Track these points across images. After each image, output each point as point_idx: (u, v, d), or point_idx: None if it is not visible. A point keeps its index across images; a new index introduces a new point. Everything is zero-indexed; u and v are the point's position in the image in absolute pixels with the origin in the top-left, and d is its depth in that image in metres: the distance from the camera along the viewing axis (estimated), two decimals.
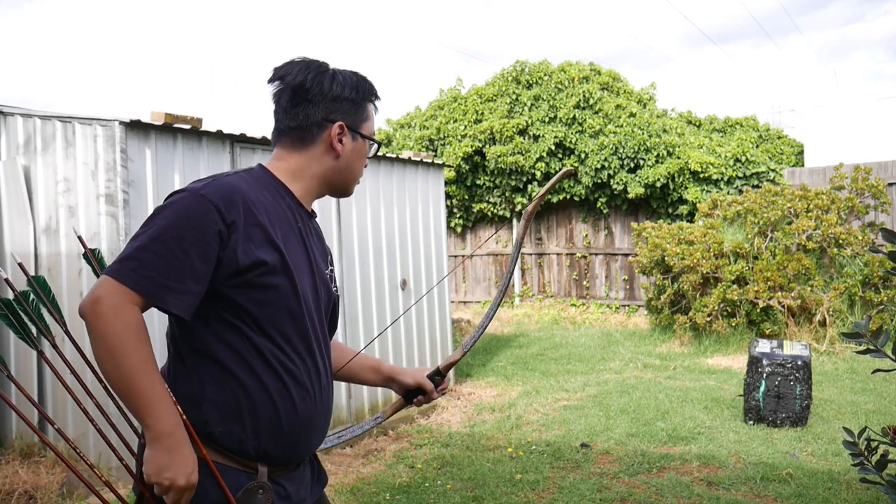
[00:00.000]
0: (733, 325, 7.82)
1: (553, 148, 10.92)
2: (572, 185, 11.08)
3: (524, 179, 11.30)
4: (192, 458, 1.33)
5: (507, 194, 11.60)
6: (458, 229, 12.30)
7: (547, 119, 11.22)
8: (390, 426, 5.34)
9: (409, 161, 6.16)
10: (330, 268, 1.63)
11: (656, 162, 10.39)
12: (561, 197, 11.24)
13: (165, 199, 1.40)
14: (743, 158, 10.26)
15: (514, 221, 11.94)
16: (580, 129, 10.97)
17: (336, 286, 1.66)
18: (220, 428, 1.39)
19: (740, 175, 10.21)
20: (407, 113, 12.95)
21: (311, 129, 1.52)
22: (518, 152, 11.06)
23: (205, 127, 4.24)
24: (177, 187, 4.11)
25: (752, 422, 5.17)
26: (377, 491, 4.08)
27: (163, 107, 25.67)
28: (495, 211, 11.83)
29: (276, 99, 1.54)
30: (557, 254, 11.71)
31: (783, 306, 7.63)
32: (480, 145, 11.35)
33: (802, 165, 11.47)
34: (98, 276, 1.36)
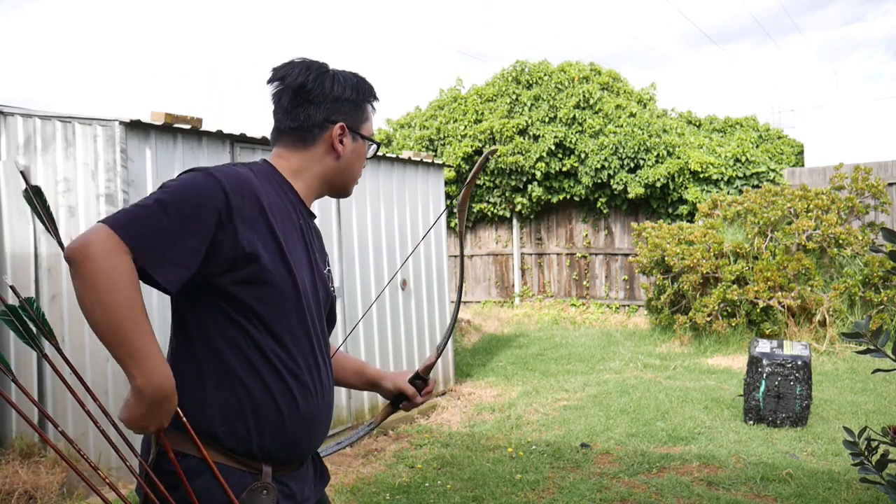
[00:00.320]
0: (733, 325, 7.82)
1: (553, 148, 10.92)
2: (572, 185, 11.09)
3: (524, 179, 11.30)
4: (169, 413, 1.30)
5: (507, 194, 11.60)
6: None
7: (547, 119, 11.22)
8: (390, 426, 5.34)
9: (409, 161, 6.16)
10: (328, 268, 1.63)
11: (656, 162, 10.39)
12: (561, 197, 11.24)
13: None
14: (743, 158, 10.26)
15: (515, 221, 11.94)
16: (580, 129, 10.97)
17: (333, 286, 1.67)
18: (224, 429, 1.39)
19: (740, 175, 10.21)
20: (407, 113, 12.96)
21: (312, 129, 1.52)
22: (518, 152, 11.06)
23: (205, 127, 4.24)
24: None
25: (752, 422, 5.17)
26: (377, 491, 4.08)
27: (163, 107, 25.67)
28: (495, 211, 11.83)
29: (276, 99, 1.54)
30: (557, 254, 11.71)
31: (783, 306, 7.63)
32: (480, 145, 11.35)
33: (802, 165, 11.47)
34: (41, 218, 1.34)
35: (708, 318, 7.88)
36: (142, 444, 1.48)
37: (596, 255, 11.35)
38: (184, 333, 1.43)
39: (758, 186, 9.92)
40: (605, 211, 11.11)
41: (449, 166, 9.47)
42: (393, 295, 5.86)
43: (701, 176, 10.19)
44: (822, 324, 7.69)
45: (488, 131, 11.23)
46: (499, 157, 11.07)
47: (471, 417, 5.64)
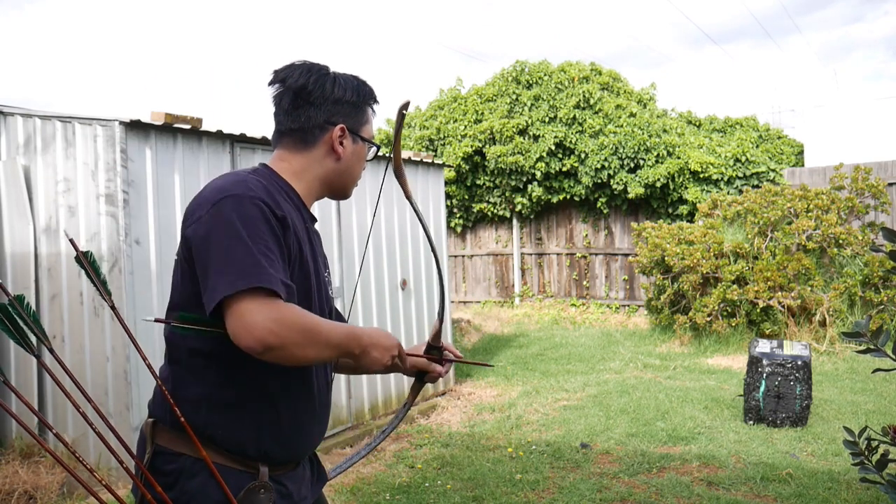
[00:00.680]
0: (733, 325, 7.82)
1: (553, 148, 10.92)
2: (572, 185, 11.09)
3: (524, 179, 11.29)
4: (385, 335, 1.47)
5: (507, 194, 11.60)
6: (458, 229, 12.30)
7: (547, 119, 11.21)
8: None
9: (409, 161, 6.16)
10: (327, 270, 1.64)
11: (656, 162, 10.39)
12: (561, 197, 11.24)
13: (212, 204, 1.33)
14: (743, 158, 10.26)
15: (515, 221, 11.94)
16: (580, 129, 10.97)
17: (332, 289, 1.68)
18: (221, 430, 1.39)
19: (740, 175, 10.21)
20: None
21: (312, 131, 1.52)
22: (518, 152, 11.05)
23: (205, 127, 4.24)
24: (177, 187, 4.12)
25: (752, 422, 5.17)
26: (377, 491, 4.08)
27: (163, 107, 25.68)
28: (495, 211, 11.83)
29: (277, 101, 1.54)
30: (557, 254, 11.71)
31: (783, 306, 7.63)
32: (480, 145, 11.35)
33: (802, 165, 11.47)
34: (91, 279, 1.34)
35: (708, 318, 7.88)
36: (137, 444, 1.49)
37: (596, 255, 11.35)
38: (182, 337, 1.43)
39: (758, 186, 9.92)
40: (605, 211, 11.11)
41: (449, 166, 9.48)
42: (393, 295, 5.86)
43: (701, 176, 10.19)
44: (822, 324, 7.69)
45: (488, 131, 11.23)
46: (498, 157, 11.07)
47: (471, 417, 5.64)
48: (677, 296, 8.48)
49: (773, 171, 10.29)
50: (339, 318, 1.68)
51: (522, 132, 11.29)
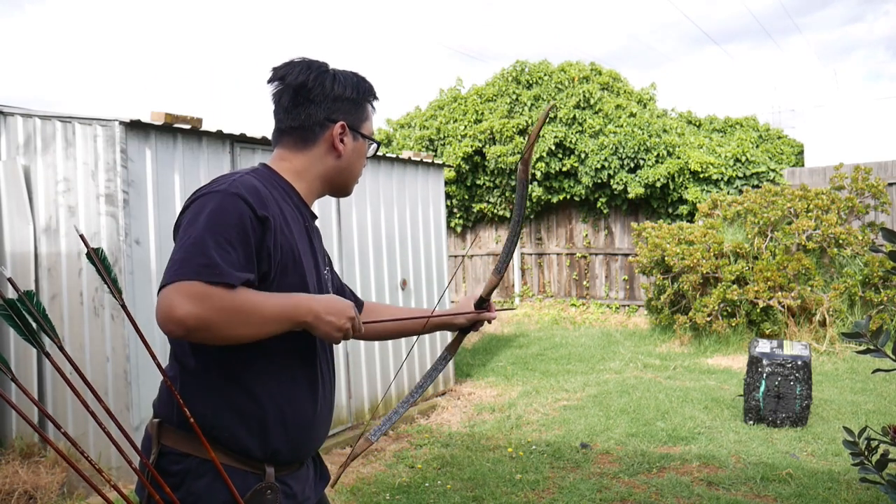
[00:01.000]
0: (733, 325, 7.82)
1: (553, 148, 10.92)
2: (572, 185, 11.09)
3: None
4: (338, 299, 1.41)
5: (507, 194, 11.59)
6: (458, 229, 12.30)
7: (547, 119, 11.21)
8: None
9: (409, 161, 6.16)
10: (327, 269, 1.64)
11: (656, 162, 10.39)
12: (561, 197, 11.24)
13: (189, 201, 1.38)
14: (743, 158, 10.26)
15: None
16: (580, 129, 10.97)
17: (333, 288, 1.67)
18: (227, 432, 1.39)
19: (740, 175, 10.21)
20: (407, 113, 12.95)
21: (312, 128, 1.52)
22: (518, 152, 11.05)
23: (205, 127, 4.24)
24: (177, 187, 4.12)
25: (752, 422, 5.17)
26: (377, 491, 4.08)
27: (163, 107, 25.68)
28: (495, 211, 11.83)
29: (277, 99, 1.54)
30: (557, 254, 11.71)
31: (783, 306, 7.63)
32: (480, 145, 11.35)
33: (802, 165, 11.47)
34: (102, 276, 1.34)
35: (708, 318, 7.87)
36: (142, 443, 1.48)
37: (596, 255, 11.34)
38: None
39: (758, 186, 9.92)
40: (605, 211, 11.11)
41: (449, 166, 9.47)
42: (393, 295, 5.86)
43: (701, 176, 10.19)
44: (822, 324, 7.69)
45: (488, 131, 11.23)
46: (498, 157, 11.08)
47: (471, 417, 5.64)
48: (677, 296, 8.48)
49: (773, 171, 10.29)
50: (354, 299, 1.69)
51: (522, 132, 11.29)
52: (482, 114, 11.65)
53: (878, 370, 2.00)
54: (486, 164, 11.45)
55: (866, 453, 1.94)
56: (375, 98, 1.61)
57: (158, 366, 1.38)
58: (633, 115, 10.91)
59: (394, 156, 5.96)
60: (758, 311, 7.76)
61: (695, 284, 8.02)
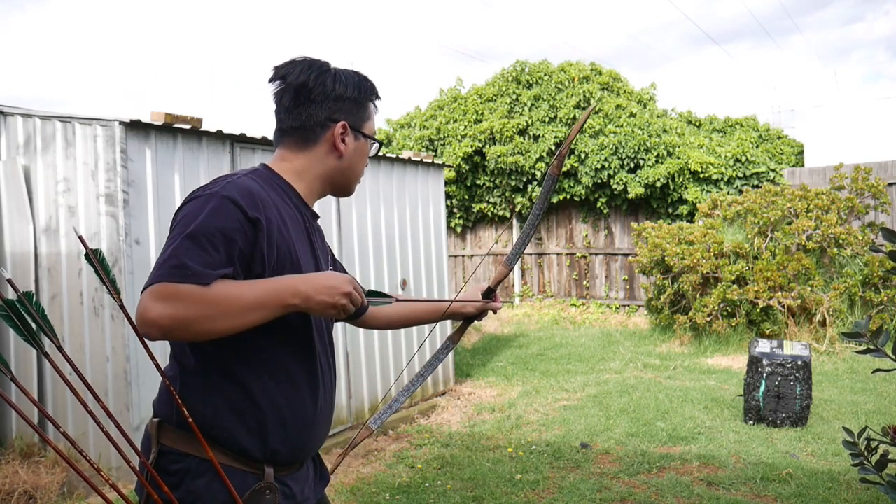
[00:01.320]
0: (733, 325, 7.82)
1: (553, 148, 10.92)
2: (572, 185, 11.09)
3: (524, 179, 11.29)
4: (329, 274, 1.38)
5: (507, 194, 11.59)
6: (458, 229, 12.30)
7: (547, 119, 11.21)
8: (390, 426, 5.34)
9: (409, 161, 6.16)
10: (330, 268, 1.63)
11: (656, 162, 10.39)
12: (561, 197, 11.24)
13: (183, 203, 1.39)
14: (743, 158, 10.26)
15: (515, 221, 11.94)
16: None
17: None
18: (227, 432, 1.39)
19: (740, 175, 10.21)
20: (407, 113, 12.95)
21: (314, 128, 1.52)
22: (518, 152, 11.05)
23: (205, 127, 4.23)
24: (177, 187, 4.12)
25: (752, 422, 5.17)
26: (377, 491, 4.08)
27: (163, 107, 25.70)
28: (495, 211, 11.83)
29: (278, 99, 1.53)
30: (557, 254, 11.71)
31: (783, 306, 7.63)
32: (480, 145, 11.35)
33: (802, 165, 11.47)
34: (101, 278, 1.35)
35: (708, 318, 7.88)
36: (142, 443, 1.48)
37: (596, 255, 11.34)
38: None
39: (758, 186, 9.92)
40: (605, 211, 11.11)
41: (449, 166, 9.47)
42: (393, 295, 5.85)
43: (701, 176, 10.19)
44: (822, 324, 7.69)
45: (488, 131, 11.23)
46: (498, 157, 11.07)
47: (471, 417, 5.64)
48: (677, 296, 8.48)
49: (773, 171, 10.29)
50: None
51: (522, 132, 11.29)
52: (482, 114, 11.65)
53: (878, 370, 2.00)
54: (486, 164, 11.45)
55: (866, 453, 1.94)
56: (377, 97, 1.61)
57: (157, 366, 1.38)
58: (633, 115, 10.91)
59: (394, 156, 5.96)
60: (758, 311, 7.76)
61: (695, 284, 8.02)
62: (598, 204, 11.03)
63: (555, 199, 11.31)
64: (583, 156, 10.81)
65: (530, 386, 6.62)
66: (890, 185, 9.05)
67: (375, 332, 5.62)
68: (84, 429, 4.04)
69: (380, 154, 5.78)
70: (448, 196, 11.58)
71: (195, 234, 1.29)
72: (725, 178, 10.17)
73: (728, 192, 10.00)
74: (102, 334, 4.02)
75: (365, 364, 5.48)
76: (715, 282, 8.08)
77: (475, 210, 12.01)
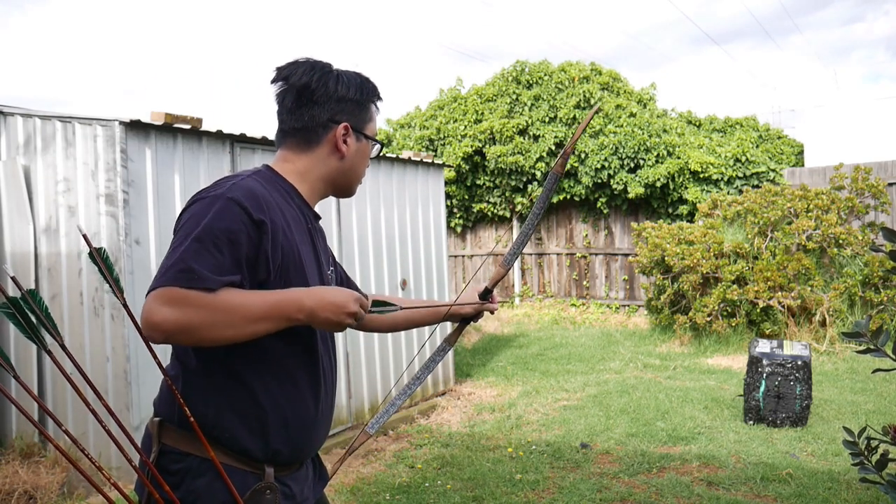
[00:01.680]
0: (733, 325, 7.82)
1: (553, 148, 10.92)
2: (572, 185, 11.09)
3: (524, 179, 11.29)
4: (335, 291, 1.37)
5: (507, 194, 11.60)
6: (458, 229, 12.30)
7: (547, 119, 11.22)
8: (390, 426, 5.34)
9: (409, 161, 6.16)
10: (331, 269, 1.64)
11: (656, 162, 10.39)
12: (561, 197, 11.24)
13: (187, 205, 1.39)
14: (743, 158, 10.27)
15: (515, 221, 11.94)
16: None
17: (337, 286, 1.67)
18: (228, 432, 1.40)
19: (740, 175, 10.21)
20: (407, 113, 12.95)
21: (316, 130, 1.52)
22: (518, 152, 11.06)
23: (205, 127, 4.23)
24: (177, 187, 4.12)
25: (752, 422, 5.17)
26: (377, 491, 4.08)
27: (163, 107, 25.70)
28: (495, 211, 11.83)
29: (280, 100, 1.53)
30: (557, 254, 11.71)
31: (783, 306, 7.63)
32: (480, 145, 11.35)
33: (802, 165, 11.47)
34: (105, 276, 1.35)
35: (708, 318, 7.88)
36: (143, 442, 1.48)
37: (596, 255, 11.35)
38: None
39: (758, 186, 9.92)
40: (605, 211, 11.11)
41: (449, 166, 9.47)
42: (393, 295, 5.86)
43: (701, 176, 10.19)
44: (822, 324, 7.69)
45: (488, 131, 11.23)
46: (498, 157, 11.07)
47: (471, 417, 5.64)
48: (677, 296, 8.48)
49: (773, 171, 10.29)
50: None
51: (522, 132, 11.29)
52: (482, 114, 11.65)
53: (878, 370, 2.00)
54: (486, 164, 11.45)
55: (866, 453, 1.94)
56: (379, 99, 1.61)
57: (159, 365, 1.38)
58: (633, 115, 10.91)
59: (394, 156, 5.96)
60: (758, 311, 7.76)
61: (695, 284, 8.03)
62: (598, 204, 11.03)
63: (555, 199, 11.30)
64: (583, 156, 10.81)
65: (530, 386, 6.62)
66: (890, 185, 9.05)
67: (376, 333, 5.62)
68: (84, 428, 4.04)
69: (380, 154, 5.77)
70: (448, 196, 11.58)
71: (201, 236, 1.29)
72: (725, 178, 10.17)
73: (728, 192, 10.00)
74: (102, 334, 4.02)
75: (365, 364, 5.48)
76: (715, 282, 8.08)
77: (475, 210, 12.01)
